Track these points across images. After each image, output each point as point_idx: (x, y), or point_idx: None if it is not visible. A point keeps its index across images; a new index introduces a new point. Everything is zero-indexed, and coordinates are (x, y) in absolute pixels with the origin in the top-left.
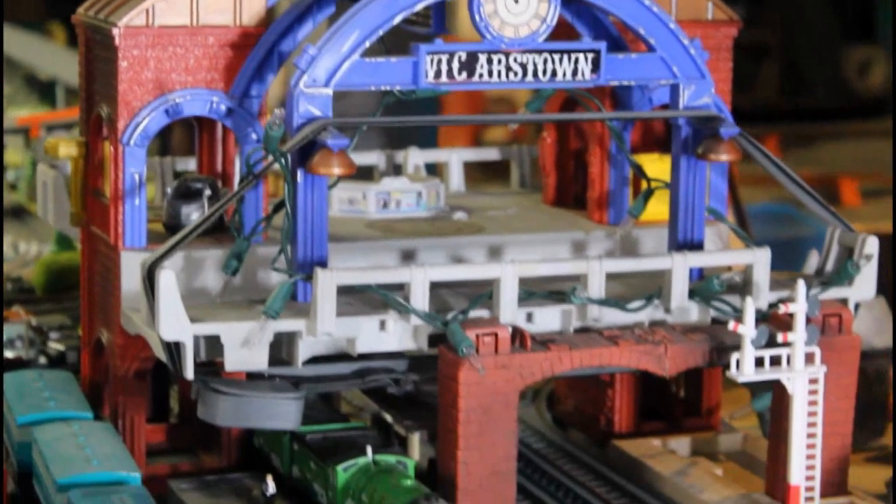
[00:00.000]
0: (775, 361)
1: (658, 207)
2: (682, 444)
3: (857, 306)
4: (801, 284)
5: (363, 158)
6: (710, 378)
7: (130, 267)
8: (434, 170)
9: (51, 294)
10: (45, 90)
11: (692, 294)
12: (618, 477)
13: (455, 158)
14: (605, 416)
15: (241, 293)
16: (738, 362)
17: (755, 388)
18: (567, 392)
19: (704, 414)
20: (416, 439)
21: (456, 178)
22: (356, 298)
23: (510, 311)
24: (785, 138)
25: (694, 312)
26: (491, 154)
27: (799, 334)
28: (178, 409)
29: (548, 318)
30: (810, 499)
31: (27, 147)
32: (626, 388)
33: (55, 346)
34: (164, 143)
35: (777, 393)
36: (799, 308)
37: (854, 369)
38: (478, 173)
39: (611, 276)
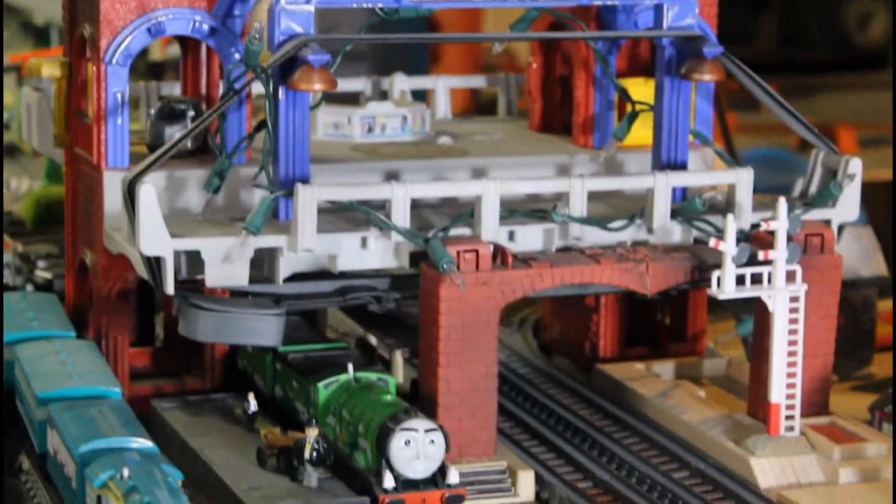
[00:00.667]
0: (756, 280)
1: (643, 132)
2: (665, 368)
3: (840, 229)
4: (782, 202)
5: (349, 85)
6: (694, 304)
7: (113, 186)
8: (423, 97)
9: (40, 227)
10: (40, 35)
11: (674, 214)
12: (601, 400)
13: (441, 85)
14: (589, 342)
15: (223, 213)
16: (719, 280)
17: (739, 314)
18: (553, 319)
19: (689, 340)
20: (399, 359)
21: (442, 106)
22: (338, 217)
23: (491, 228)
24: (784, 90)
25: (676, 233)
26: (477, 81)
27: (780, 252)
28: (164, 335)
29: (530, 237)
30: (791, 417)
31: (19, 86)
32: (611, 314)
33: (42, 273)
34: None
35: (759, 312)
36: (780, 225)
37: (836, 289)
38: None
39: (594, 198)
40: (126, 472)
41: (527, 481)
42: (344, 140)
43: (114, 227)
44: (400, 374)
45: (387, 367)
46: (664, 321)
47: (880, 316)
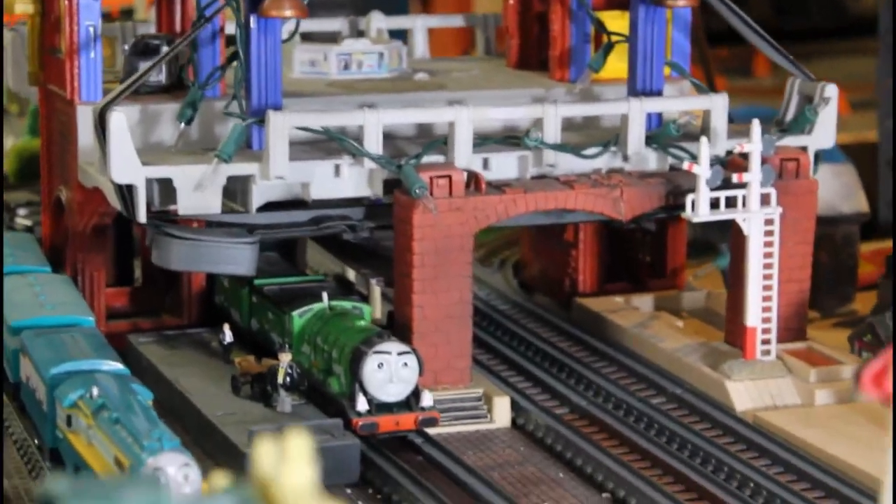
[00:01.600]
0: (731, 203)
1: (619, 65)
2: (645, 301)
3: (816, 157)
4: (755, 124)
5: (326, 25)
6: (673, 240)
7: (87, 121)
8: (402, 36)
9: (23, 181)
10: None
11: (649, 141)
12: (580, 332)
13: (419, 24)
14: (569, 278)
15: (197, 146)
16: (693, 203)
17: (718, 244)
18: (532, 258)
19: (669, 275)
20: (376, 292)
21: (420, 45)
22: (311, 147)
23: (465, 155)
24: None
25: (652, 160)
26: (455, 21)
27: (754, 174)
28: (142, 276)
29: (504, 165)
30: (767, 341)
31: None
32: (590, 250)
33: (22, 220)
34: None
35: (735, 238)
36: (754, 147)
37: (811, 214)
38: None
39: (570, 129)
40: (95, 391)
41: (503, 408)
42: (320, 77)
43: (88, 162)
44: (377, 306)
45: (365, 301)
46: (644, 258)
47: (862, 256)
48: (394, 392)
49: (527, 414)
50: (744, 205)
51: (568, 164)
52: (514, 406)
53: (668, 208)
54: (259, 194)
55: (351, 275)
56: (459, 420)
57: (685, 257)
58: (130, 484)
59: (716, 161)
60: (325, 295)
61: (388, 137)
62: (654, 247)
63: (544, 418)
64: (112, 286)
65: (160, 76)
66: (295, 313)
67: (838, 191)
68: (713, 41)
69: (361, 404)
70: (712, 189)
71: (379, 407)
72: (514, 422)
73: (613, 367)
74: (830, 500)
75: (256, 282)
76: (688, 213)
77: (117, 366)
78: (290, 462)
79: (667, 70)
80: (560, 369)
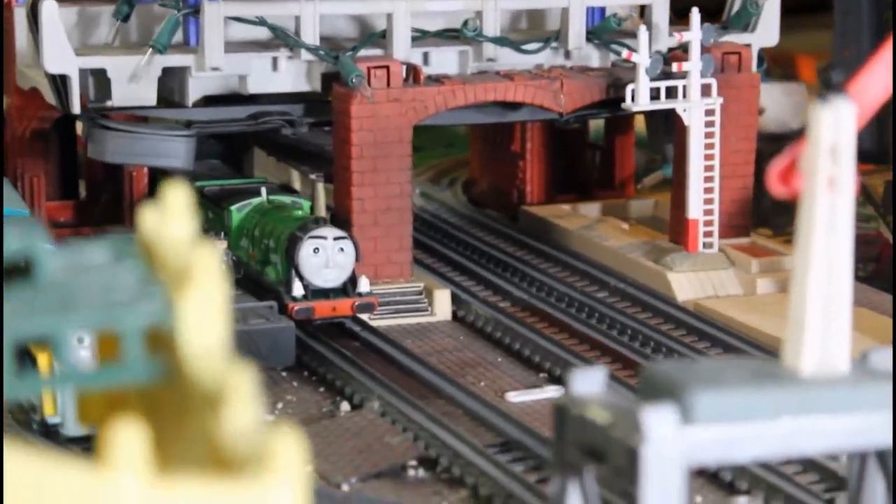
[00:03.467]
0: (672, 94)
1: None
2: (591, 208)
3: (760, 58)
4: (694, 12)
5: None
6: (622, 152)
7: (23, 21)
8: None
9: None
10: None
11: (591, 36)
12: (526, 238)
13: None
14: (517, 190)
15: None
16: (633, 93)
17: (665, 155)
18: (481, 173)
19: (617, 187)
20: (320, 192)
21: None
22: (250, 43)
23: (403, 48)
24: None
25: (594, 57)
26: None
27: (694, 63)
28: (86, 191)
29: (444, 60)
30: (709, 234)
31: None
32: (538, 161)
33: None
34: None
35: (678, 136)
36: (693, 36)
37: (754, 109)
38: None
39: (516, 32)
40: None
41: (443, 300)
42: None
43: (26, 64)
44: (321, 203)
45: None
46: (593, 172)
47: None
48: (330, 278)
49: (468, 306)
50: (684, 95)
51: (509, 59)
52: (456, 300)
53: (609, 102)
54: (195, 87)
55: (297, 181)
56: (399, 313)
57: (633, 169)
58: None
59: (657, 55)
60: (263, 190)
61: (327, 39)
62: (602, 160)
63: (485, 310)
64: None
65: None
66: (233, 208)
67: (788, 109)
68: None
69: (297, 289)
70: (652, 79)
71: (315, 293)
72: (454, 315)
73: (558, 267)
74: None
75: (197, 183)
76: (628, 103)
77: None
78: (171, 216)
79: None
80: (504, 269)
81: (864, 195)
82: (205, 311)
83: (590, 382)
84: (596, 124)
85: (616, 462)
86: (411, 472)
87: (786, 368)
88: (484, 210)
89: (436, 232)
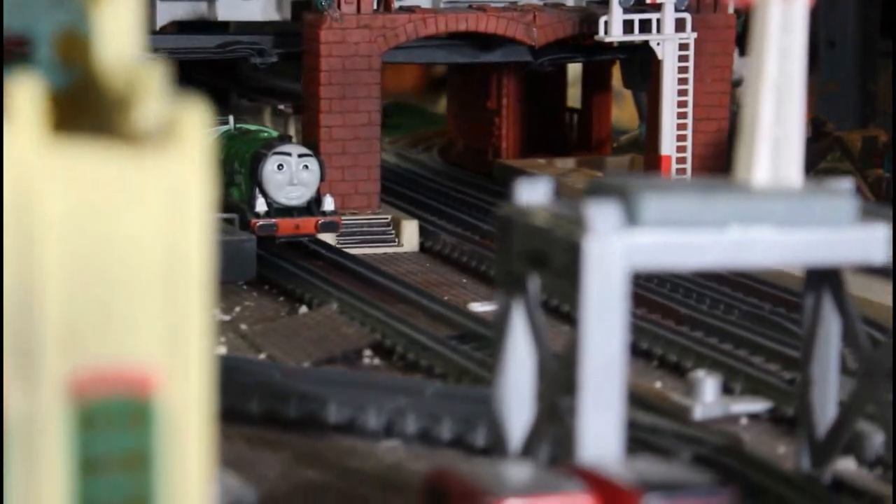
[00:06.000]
0: (646, 27)
1: None
2: (567, 163)
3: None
4: None
5: None
6: (599, 112)
7: None
8: None
9: None
10: None
11: None
12: (498, 187)
13: None
14: (492, 147)
15: None
16: (606, 24)
17: (641, 111)
18: (456, 135)
19: (594, 147)
20: (290, 121)
21: None
22: None
23: None
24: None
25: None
26: None
27: None
28: None
29: None
30: (682, 171)
31: None
32: (513, 116)
33: None
34: None
35: (653, 74)
36: None
37: (729, 49)
38: None
39: None
40: None
41: (411, 231)
42: None
43: None
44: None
45: None
46: (570, 133)
47: None
48: (294, 195)
49: (435, 237)
50: (658, 29)
51: None
52: (424, 232)
53: (581, 34)
54: (164, 12)
55: (267, 119)
56: (367, 243)
57: (611, 129)
58: None
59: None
60: (231, 118)
61: None
62: (580, 122)
63: (452, 239)
64: None
65: None
66: None
67: None
68: None
69: (260, 205)
70: (626, 10)
71: (279, 210)
72: (422, 246)
73: None
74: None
75: None
76: (601, 34)
77: None
78: None
79: None
80: (476, 211)
81: (842, 150)
82: (120, 19)
83: (535, 192)
84: (574, 75)
85: (559, 263)
86: (367, 360)
87: (738, 181)
88: (461, 170)
89: (410, 182)
